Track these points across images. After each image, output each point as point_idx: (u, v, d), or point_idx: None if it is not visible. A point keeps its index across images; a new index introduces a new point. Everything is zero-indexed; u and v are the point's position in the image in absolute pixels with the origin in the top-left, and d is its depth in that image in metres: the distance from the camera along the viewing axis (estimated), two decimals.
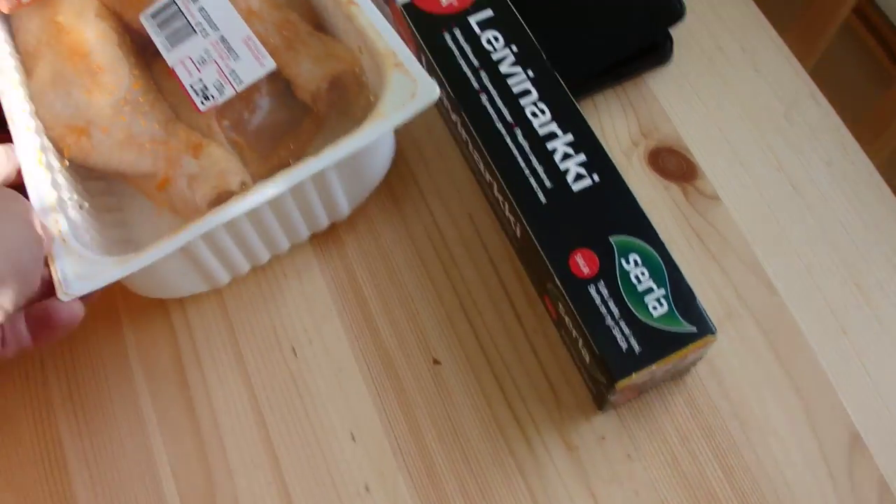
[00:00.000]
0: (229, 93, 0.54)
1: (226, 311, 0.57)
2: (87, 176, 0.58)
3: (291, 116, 0.58)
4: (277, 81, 0.57)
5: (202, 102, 0.54)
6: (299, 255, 0.58)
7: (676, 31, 0.61)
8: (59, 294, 0.47)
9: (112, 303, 0.59)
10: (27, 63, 0.58)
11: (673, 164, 0.58)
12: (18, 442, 0.56)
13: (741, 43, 0.62)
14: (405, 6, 0.57)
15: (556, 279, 0.48)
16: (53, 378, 0.57)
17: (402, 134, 0.61)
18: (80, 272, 0.48)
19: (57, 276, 0.48)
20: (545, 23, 0.57)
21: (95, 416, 0.56)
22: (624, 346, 0.47)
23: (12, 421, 0.56)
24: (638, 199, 0.50)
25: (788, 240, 0.56)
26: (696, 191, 0.57)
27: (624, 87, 0.61)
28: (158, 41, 0.56)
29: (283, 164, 0.57)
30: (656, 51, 0.61)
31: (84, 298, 0.48)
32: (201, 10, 0.56)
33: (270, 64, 0.54)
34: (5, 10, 0.59)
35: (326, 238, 0.59)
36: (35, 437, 0.56)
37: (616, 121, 0.60)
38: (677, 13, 0.58)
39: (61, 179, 0.54)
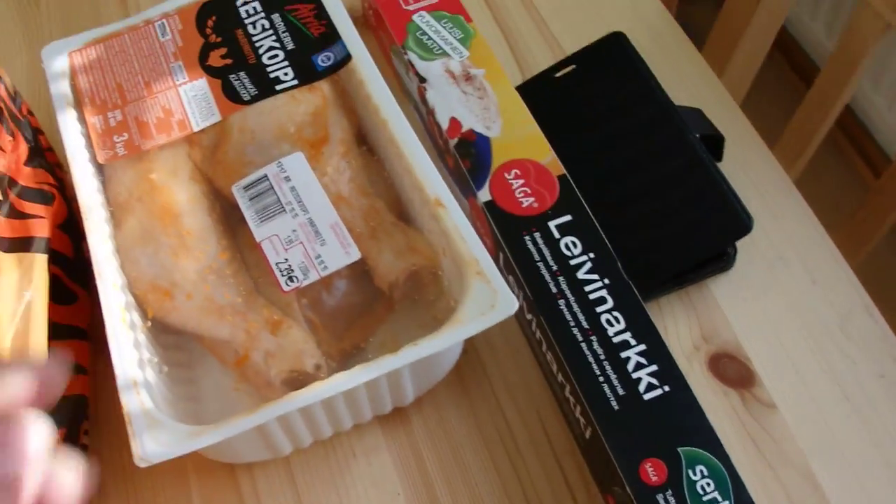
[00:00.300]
0: (313, 277, 0.62)
1: (294, 484, 0.65)
2: (161, 330, 0.65)
3: (365, 300, 0.66)
4: (356, 265, 0.64)
5: (286, 283, 0.63)
6: (368, 435, 0.66)
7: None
8: (136, 461, 0.53)
9: (181, 463, 0.66)
10: (116, 215, 0.66)
11: (732, 370, 0.68)
12: None
13: (801, 254, 0.72)
14: (487, 205, 0.66)
15: (627, 486, 0.57)
16: None
17: None
18: (158, 439, 0.54)
19: (135, 442, 0.54)
20: (616, 229, 0.65)
21: None
22: None
23: None
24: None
25: (842, 452, 0.64)
26: (754, 398, 0.66)
27: (687, 292, 0.70)
28: (248, 214, 0.65)
29: (353, 346, 0.66)
30: (720, 258, 0.71)
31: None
32: (293, 189, 0.65)
33: (356, 254, 0.62)
34: (101, 161, 0.67)
35: (395, 420, 0.67)
36: None
37: (679, 324, 0.69)
38: (745, 228, 0.68)
39: (142, 338, 0.62)
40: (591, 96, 0.75)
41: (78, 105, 0.71)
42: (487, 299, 0.58)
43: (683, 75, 0.82)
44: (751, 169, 0.76)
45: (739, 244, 0.71)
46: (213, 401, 0.67)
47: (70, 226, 0.69)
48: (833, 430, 0.65)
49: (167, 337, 0.67)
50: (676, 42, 0.86)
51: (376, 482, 0.65)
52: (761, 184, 0.76)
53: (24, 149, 0.66)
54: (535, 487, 0.64)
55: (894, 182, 1.02)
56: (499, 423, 0.67)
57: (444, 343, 0.57)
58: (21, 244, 0.62)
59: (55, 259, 0.65)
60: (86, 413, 0.66)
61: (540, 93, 0.75)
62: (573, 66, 0.77)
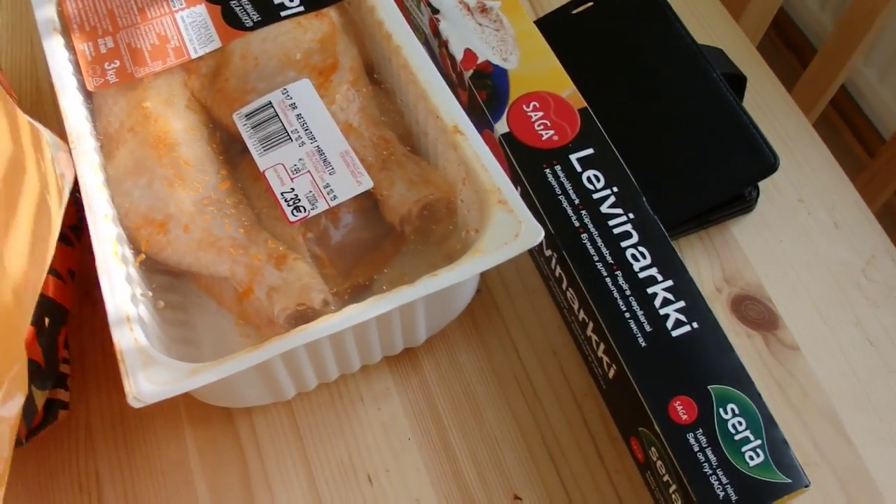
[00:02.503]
0: (322, 207, 0.61)
1: (297, 431, 0.64)
2: (154, 269, 0.63)
3: (374, 236, 0.65)
4: (365, 199, 0.64)
5: (293, 213, 0.61)
6: (377, 379, 0.65)
7: (762, 181, 0.71)
8: (130, 400, 0.51)
9: (174, 408, 0.65)
10: (107, 146, 0.64)
11: (755, 312, 0.68)
12: None
13: (823, 198, 0.72)
14: (504, 137, 0.65)
15: (655, 424, 0.56)
16: (109, 490, 0.63)
17: None
18: (153, 378, 0.53)
19: (128, 381, 0.52)
20: (640, 164, 0.65)
21: None
22: (721, 494, 0.54)
23: None
24: None
25: (866, 394, 0.64)
26: (778, 340, 0.66)
27: (708, 233, 0.70)
28: (251, 143, 0.63)
29: (359, 284, 0.65)
30: (742, 199, 0.70)
31: None
32: (299, 117, 0.64)
33: (368, 183, 0.62)
34: (91, 88, 0.65)
35: (405, 364, 0.66)
36: None
37: (701, 266, 0.69)
38: (771, 166, 0.68)
39: (134, 273, 0.60)
40: (610, 32, 0.75)
41: (65, 32, 0.69)
42: (511, 229, 0.57)
43: (700, 17, 0.82)
44: (771, 112, 0.77)
45: (762, 187, 0.71)
46: (210, 345, 0.65)
47: None
48: (857, 373, 0.65)
49: (160, 277, 0.65)
50: None
51: (386, 428, 0.64)
52: (782, 128, 0.76)
53: None
54: (554, 431, 0.63)
55: (888, 162, 1.03)
56: (514, 365, 0.66)
57: (465, 274, 0.56)
58: None
59: None
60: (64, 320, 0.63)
61: (557, 29, 0.74)
62: (591, 3, 0.76)
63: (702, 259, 0.69)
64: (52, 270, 0.62)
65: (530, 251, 0.69)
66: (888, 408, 0.64)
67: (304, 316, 0.59)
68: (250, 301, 0.60)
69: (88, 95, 0.67)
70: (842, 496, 0.61)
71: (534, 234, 0.57)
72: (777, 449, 0.55)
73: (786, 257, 0.70)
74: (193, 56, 0.67)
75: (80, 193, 0.61)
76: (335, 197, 0.61)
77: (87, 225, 0.59)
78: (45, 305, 0.60)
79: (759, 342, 0.66)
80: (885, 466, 0.62)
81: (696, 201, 0.69)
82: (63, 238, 0.64)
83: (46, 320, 0.60)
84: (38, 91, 0.82)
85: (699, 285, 0.65)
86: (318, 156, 0.62)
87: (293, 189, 0.62)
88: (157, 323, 0.61)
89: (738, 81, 0.74)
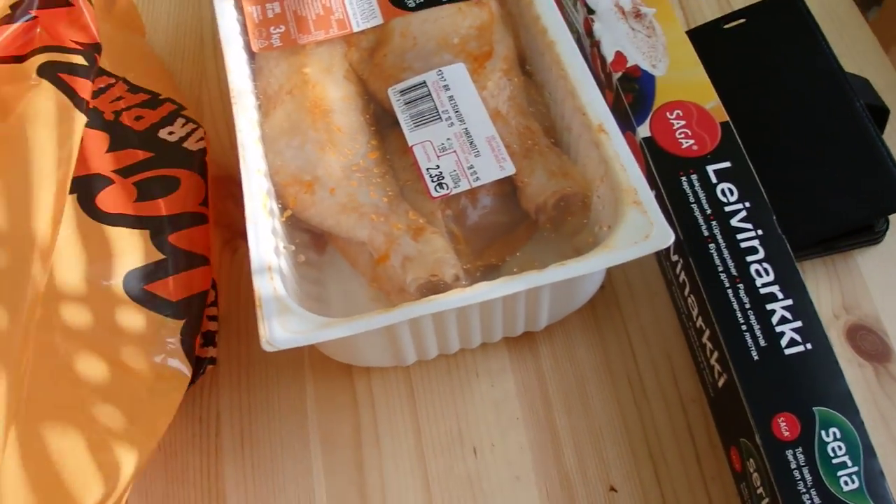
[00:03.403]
0: (464, 186, 0.64)
1: (412, 395, 0.68)
2: (297, 227, 0.67)
3: (509, 220, 0.68)
4: (504, 184, 0.67)
5: (435, 189, 0.64)
6: (494, 357, 0.69)
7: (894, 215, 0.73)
8: (263, 344, 0.55)
9: (298, 360, 0.69)
10: (265, 106, 0.69)
11: (869, 343, 0.69)
12: (182, 484, 0.66)
13: None
14: (645, 141, 0.67)
15: (757, 437, 0.58)
16: (227, 429, 0.67)
17: None
18: (287, 326, 0.56)
19: (263, 326, 0.56)
20: (773, 183, 0.67)
21: (264, 479, 0.66)
22: None
23: (180, 462, 0.66)
24: None
25: None
26: (888, 374, 0.68)
27: (833, 259, 0.72)
28: (402, 118, 0.67)
29: (490, 264, 0.68)
30: (871, 230, 0.72)
31: None
32: (451, 98, 0.67)
33: (510, 168, 0.64)
34: (255, 49, 0.70)
35: (523, 346, 0.69)
36: (200, 485, 0.66)
37: (821, 291, 0.70)
38: None
39: (279, 227, 0.64)
40: (759, 51, 0.77)
41: None
42: (642, 229, 0.59)
43: (849, 44, 0.83)
44: None
45: (893, 221, 0.72)
46: (339, 304, 0.69)
47: None
48: None
49: (302, 234, 0.69)
50: (845, 8, 0.87)
51: (497, 404, 0.67)
52: None
53: None
54: (658, 430, 0.66)
55: None
56: (628, 361, 0.69)
57: (592, 266, 0.58)
58: None
59: None
60: (206, 302, 0.68)
61: (707, 42, 0.76)
62: (743, 20, 0.78)
63: (822, 284, 0.71)
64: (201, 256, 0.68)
65: (657, 254, 0.71)
66: None
67: (434, 287, 0.62)
68: (385, 267, 0.63)
69: (252, 56, 0.72)
70: None
71: (664, 236, 0.59)
72: (873, 478, 0.57)
73: None
74: (355, 29, 0.71)
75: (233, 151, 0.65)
76: (478, 178, 0.64)
77: (240, 178, 0.63)
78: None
79: (870, 373, 0.68)
80: None
81: (822, 227, 0.70)
82: (199, 217, 0.69)
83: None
84: (202, 47, 0.87)
85: (817, 308, 0.67)
86: (466, 137, 0.66)
87: (438, 166, 0.65)
88: (294, 277, 0.64)
89: (880, 113, 0.75)
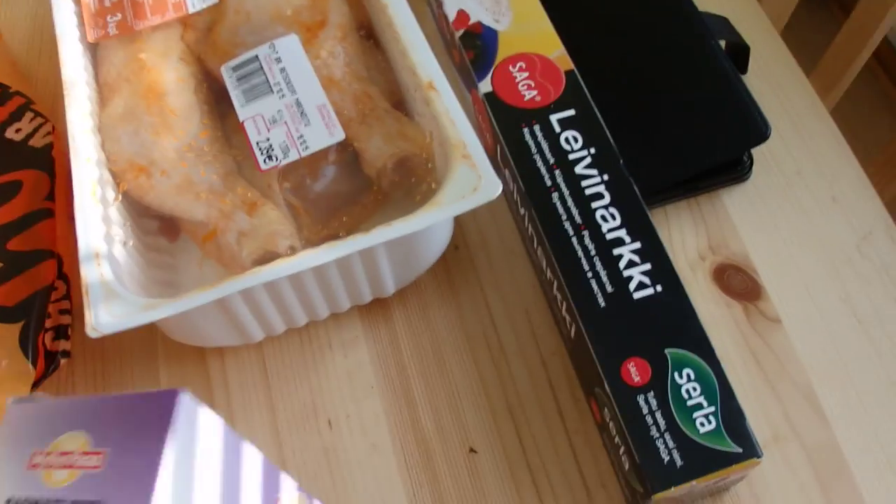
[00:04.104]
0: (293, 156, 0.62)
1: (265, 373, 0.66)
2: (144, 213, 0.67)
3: (353, 189, 0.66)
4: (345, 152, 0.65)
5: (265, 161, 0.63)
6: (346, 328, 0.67)
7: (758, 149, 0.70)
8: (88, 330, 0.55)
9: (151, 343, 0.68)
10: (104, 94, 0.68)
11: (738, 282, 0.67)
12: None
13: (822, 169, 0.71)
14: (487, 96, 0.66)
15: (606, 384, 0.56)
16: None
17: (468, 221, 0.70)
18: (113, 311, 0.56)
19: (89, 313, 0.55)
20: (626, 128, 0.65)
21: None
22: (666, 458, 0.54)
23: None
24: (698, 314, 0.57)
25: (847, 372, 0.63)
26: (759, 312, 0.65)
27: (697, 200, 0.70)
28: (234, 94, 0.65)
29: (336, 236, 0.66)
30: (735, 168, 0.70)
31: None
32: (283, 70, 0.65)
33: (340, 135, 0.63)
34: (91, 39, 0.69)
35: (376, 313, 0.67)
36: None
37: (686, 233, 0.68)
38: (762, 135, 0.67)
39: (114, 214, 0.63)
40: None
41: None
42: (470, 182, 0.58)
43: None
44: (777, 84, 0.75)
45: (758, 158, 0.71)
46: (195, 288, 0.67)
47: None
48: (840, 351, 0.64)
49: (150, 222, 0.68)
50: None
51: (351, 375, 0.66)
52: (787, 100, 0.74)
53: None
54: (518, 388, 0.64)
55: None
56: (485, 321, 0.67)
57: (419, 224, 0.57)
58: None
59: None
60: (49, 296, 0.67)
61: None
62: None
63: (687, 226, 0.69)
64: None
65: (512, 211, 0.69)
66: (869, 388, 0.63)
67: (271, 260, 0.60)
68: (223, 244, 0.62)
69: (90, 47, 0.71)
70: (810, 474, 0.61)
71: (491, 188, 0.58)
72: (731, 418, 0.55)
73: (777, 229, 0.69)
74: (191, 11, 0.69)
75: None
76: (307, 147, 0.63)
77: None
78: None
79: (739, 312, 0.66)
80: (859, 447, 0.61)
81: (682, 167, 0.68)
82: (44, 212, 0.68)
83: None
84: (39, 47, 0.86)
85: (682, 251, 0.66)
86: (296, 108, 0.64)
87: (268, 139, 0.63)
88: (137, 264, 0.63)
89: (740, 51, 0.73)
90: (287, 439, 0.64)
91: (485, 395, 0.64)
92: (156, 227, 0.68)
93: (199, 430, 0.44)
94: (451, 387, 0.65)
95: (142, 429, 0.43)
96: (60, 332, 0.67)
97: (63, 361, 0.67)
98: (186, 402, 0.43)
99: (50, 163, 0.70)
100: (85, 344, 0.69)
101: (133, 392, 0.44)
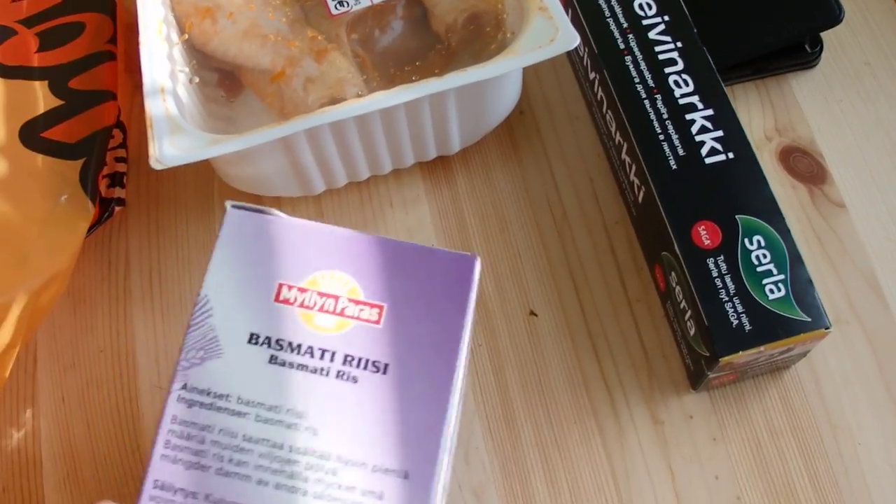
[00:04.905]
0: (365, 3, 0.61)
1: None
2: (204, 64, 0.65)
3: (421, 45, 0.65)
4: (415, 7, 0.64)
5: (336, 7, 0.61)
6: (408, 186, 0.66)
7: (827, 37, 0.69)
8: (152, 162, 0.53)
9: (207, 193, 0.67)
10: None
11: (804, 165, 0.65)
12: (90, 330, 0.63)
13: (890, 61, 0.69)
14: None
15: (676, 246, 0.55)
16: (136, 271, 0.65)
17: (534, 86, 0.69)
18: (178, 144, 0.54)
19: (153, 145, 0.54)
20: (698, 5, 0.63)
21: (174, 320, 0.63)
22: (735, 322, 0.53)
23: (89, 307, 0.64)
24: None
25: None
26: (823, 195, 0.64)
27: (765, 83, 0.68)
28: None
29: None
30: (804, 53, 0.68)
31: None
32: None
33: None
34: None
35: (438, 172, 0.66)
36: (108, 329, 0.63)
37: (753, 113, 0.67)
38: (835, 17, 0.65)
39: (177, 55, 0.61)
40: None
41: None
42: (547, 34, 0.56)
43: None
44: None
45: (828, 46, 0.69)
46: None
47: None
48: None
49: (210, 73, 0.66)
50: None
51: (411, 232, 0.64)
52: None
53: None
54: (580, 254, 0.63)
55: None
56: (548, 187, 0.65)
57: (494, 71, 0.56)
58: None
59: None
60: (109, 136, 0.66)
61: None
62: None
63: (755, 106, 0.67)
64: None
65: (577, 76, 0.68)
66: None
67: None
68: (289, 90, 0.61)
69: None
70: (870, 356, 0.59)
71: (569, 39, 0.56)
72: (800, 287, 0.54)
73: (843, 117, 0.67)
74: None
75: None
76: None
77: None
78: None
79: (804, 194, 0.64)
80: None
81: (751, 45, 0.67)
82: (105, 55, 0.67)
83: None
84: None
85: (749, 131, 0.64)
86: None
87: None
88: (200, 106, 0.62)
89: None
90: None
91: (546, 260, 0.63)
92: (215, 78, 0.66)
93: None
94: (513, 249, 0.63)
95: (428, 290, 0.41)
96: (116, 180, 0.66)
97: (117, 210, 0.65)
98: (478, 268, 0.41)
99: (112, 6, 0.68)
100: (139, 193, 0.68)
101: (398, 241, 0.42)
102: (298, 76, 0.60)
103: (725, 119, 0.58)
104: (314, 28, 0.63)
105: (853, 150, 0.66)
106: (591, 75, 0.64)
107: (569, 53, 0.69)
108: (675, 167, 0.57)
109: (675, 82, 0.60)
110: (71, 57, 0.65)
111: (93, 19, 0.67)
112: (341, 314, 0.40)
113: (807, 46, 0.68)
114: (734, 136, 0.58)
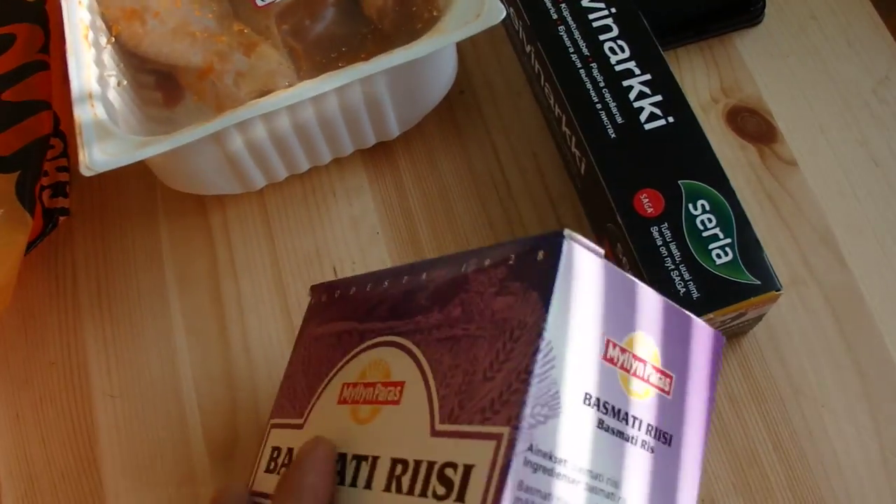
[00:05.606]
0: None
1: (267, 221, 0.63)
2: (139, 68, 0.63)
3: (354, 32, 0.63)
4: None
5: None
6: (350, 175, 0.64)
7: None
8: (81, 168, 0.52)
9: (151, 199, 0.65)
10: None
11: (752, 125, 0.64)
12: (41, 345, 0.62)
13: (836, 14, 0.67)
14: None
15: (618, 216, 0.53)
16: (83, 282, 0.64)
17: (472, 65, 0.67)
18: (107, 149, 0.53)
19: (82, 152, 0.53)
20: None
21: (123, 327, 0.62)
22: (682, 290, 0.51)
23: (39, 323, 0.63)
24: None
25: (864, 215, 0.60)
26: (774, 154, 0.62)
27: (709, 44, 0.66)
28: None
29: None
30: (747, 10, 0.66)
31: None
32: None
33: None
34: None
35: (380, 158, 0.65)
36: (59, 343, 0.62)
37: (697, 76, 0.65)
38: None
39: (107, 59, 0.60)
40: None
41: None
42: (473, 9, 0.55)
43: None
44: None
45: (771, 1, 0.67)
46: None
47: None
48: (857, 194, 0.61)
49: (146, 77, 0.64)
50: None
51: (356, 221, 0.63)
52: None
53: None
54: (526, 229, 0.62)
55: None
56: (492, 164, 0.64)
57: (421, 51, 0.54)
58: None
59: None
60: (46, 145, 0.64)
61: None
62: None
63: (699, 69, 0.66)
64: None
65: (517, 52, 0.66)
66: (888, 231, 0.60)
67: None
68: (221, 86, 0.59)
69: None
70: (829, 316, 0.58)
71: (495, 12, 0.54)
72: (749, 249, 0.52)
73: (791, 73, 0.65)
74: None
75: None
76: None
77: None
78: None
79: (753, 155, 0.62)
80: (878, 289, 0.58)
81: (689, 5, 0.66)
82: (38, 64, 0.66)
83: None
84: None
85: (694, 94, 0.63)
86: None
87: None
88: (134, 102, 0.61)
89: None
90: (291, 289, 0.62)
91: (493, 238, 0.61)
92: (152, 81, 0.64)
93: None
94: (459, 231, 0.62)
95: (696, 362, 0.40)
96: (58, 190, 0.65)
97: (62, 220, 0.64)
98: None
99: (43, 16, 0.67)
100: (84, 202, 0.67)
101: (680, 309, 0.40)
102: (229, 71, 0.59)
103: (664, 83, 0.57)
104: (244, 21, 0.62)
105: (802, 106, 0.64)
106: (528, 48, 0.62)
107: (506, 28, 0.67)
108: (613, 136, 0.55)
109: (611, 49, 0.58)
110: (2, 69, 0.63)
111: (23, 30, 0.66)
112: (647, 381, 0.38)
113: (749, 4, 0.67)
114: (674, 100, 0.56)
